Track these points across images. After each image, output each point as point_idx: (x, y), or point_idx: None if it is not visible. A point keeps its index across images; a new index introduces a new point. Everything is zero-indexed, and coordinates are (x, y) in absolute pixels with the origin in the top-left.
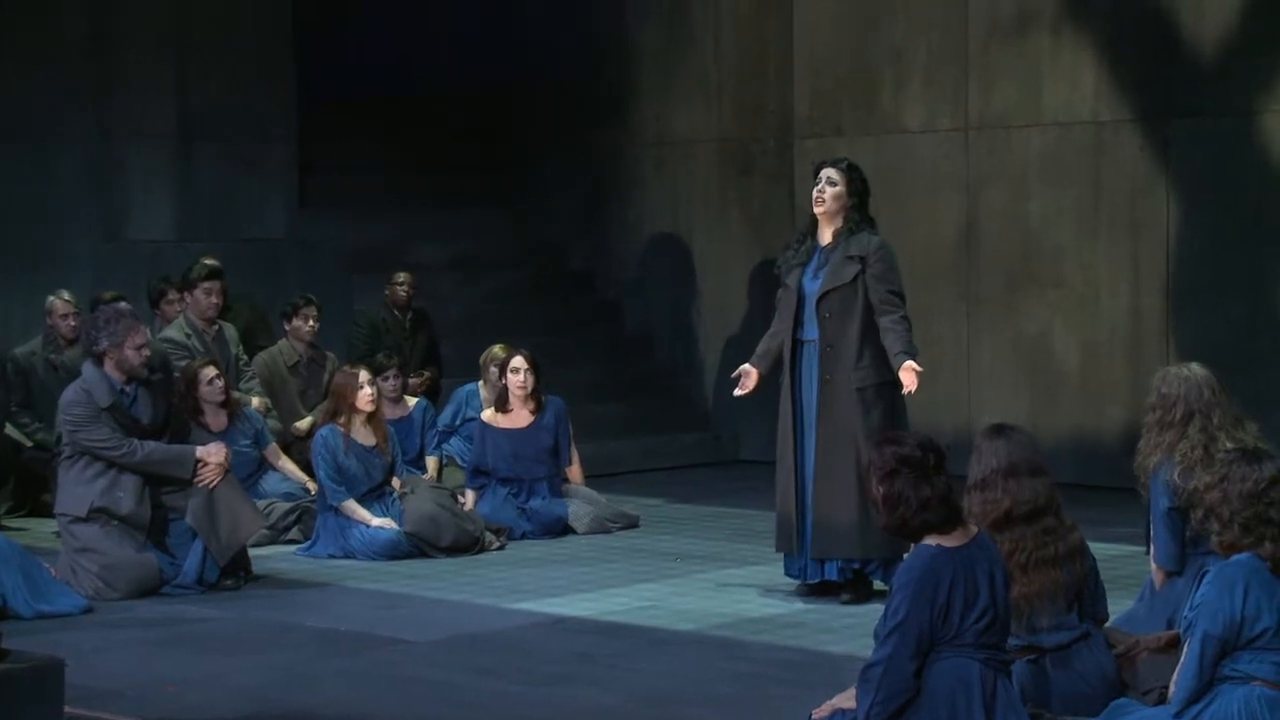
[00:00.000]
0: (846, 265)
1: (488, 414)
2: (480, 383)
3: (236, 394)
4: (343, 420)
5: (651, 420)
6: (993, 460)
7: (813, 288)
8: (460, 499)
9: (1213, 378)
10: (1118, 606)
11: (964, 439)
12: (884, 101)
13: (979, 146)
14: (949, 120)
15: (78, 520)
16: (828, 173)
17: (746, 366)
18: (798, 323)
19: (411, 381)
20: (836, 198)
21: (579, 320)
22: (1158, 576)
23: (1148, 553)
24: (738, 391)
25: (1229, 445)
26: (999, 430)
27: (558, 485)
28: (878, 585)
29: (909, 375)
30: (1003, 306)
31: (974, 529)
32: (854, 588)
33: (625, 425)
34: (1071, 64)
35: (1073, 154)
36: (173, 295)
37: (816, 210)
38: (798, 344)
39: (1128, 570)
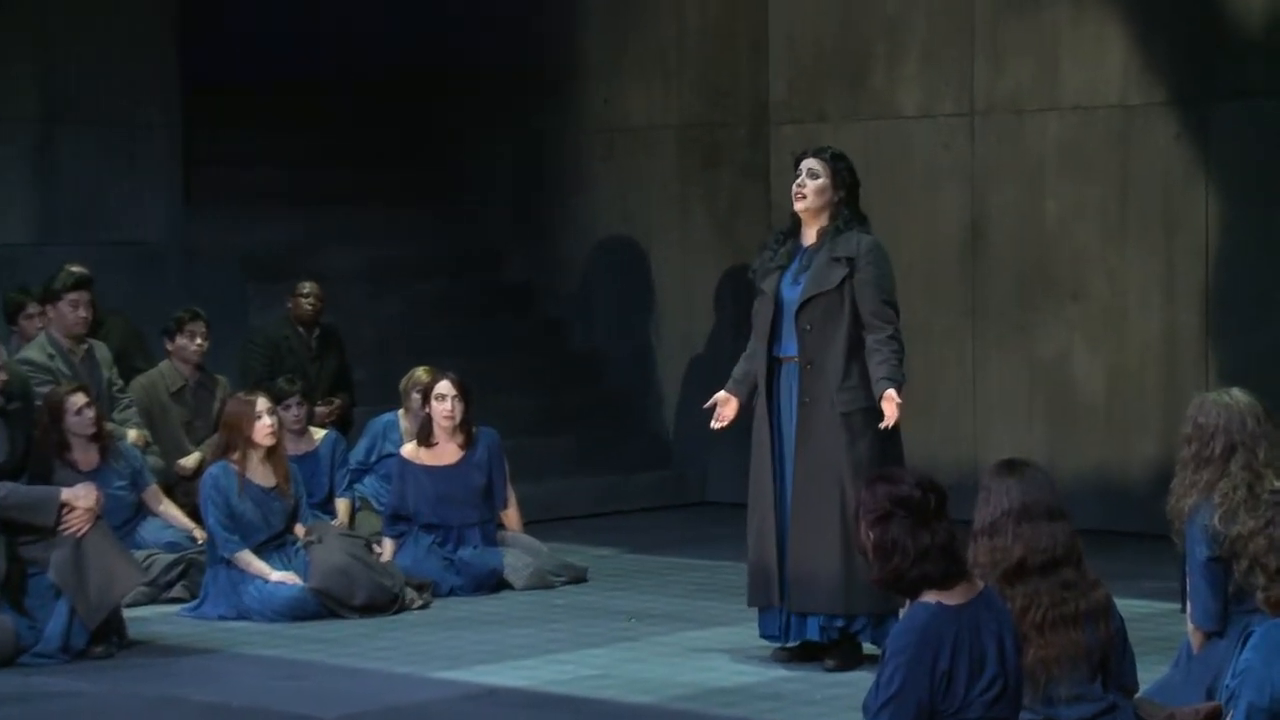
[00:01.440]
0: (831, 268)
1: (409, 449)
2: (400, 412)
3: (110, 425)
4: (236, 456)
5: (602, 456)
6: (1003, 502)
7: (792, 295)
8: (376, 549)
9: (1258, 405)
10: (1149, 674)
11: (969, 477)
12: (875, 81)
13: (986, 134)
14: (951, 104)
15: None
16: (809, 164)
17: (723, 394)
18: (775, 337)
19: (318, 410)
20: (819, 192)
21: (516, 339)
22: (1195, 638)
23: (1183, 611)
24: (715, 424)
25: (1277, 484)
26: (1010, 467)
27: (491, 532)
28: (867, 648)
29: (889, 406)
30: (1014, 323)
31: (980, 584)
32: (839, 652)
33: (571, 461)
34: (1095, 38)
35: (1096, 143)
36: (32, 309)
37: (797, 206)
38: (774, 362)
39: (1161, 631)
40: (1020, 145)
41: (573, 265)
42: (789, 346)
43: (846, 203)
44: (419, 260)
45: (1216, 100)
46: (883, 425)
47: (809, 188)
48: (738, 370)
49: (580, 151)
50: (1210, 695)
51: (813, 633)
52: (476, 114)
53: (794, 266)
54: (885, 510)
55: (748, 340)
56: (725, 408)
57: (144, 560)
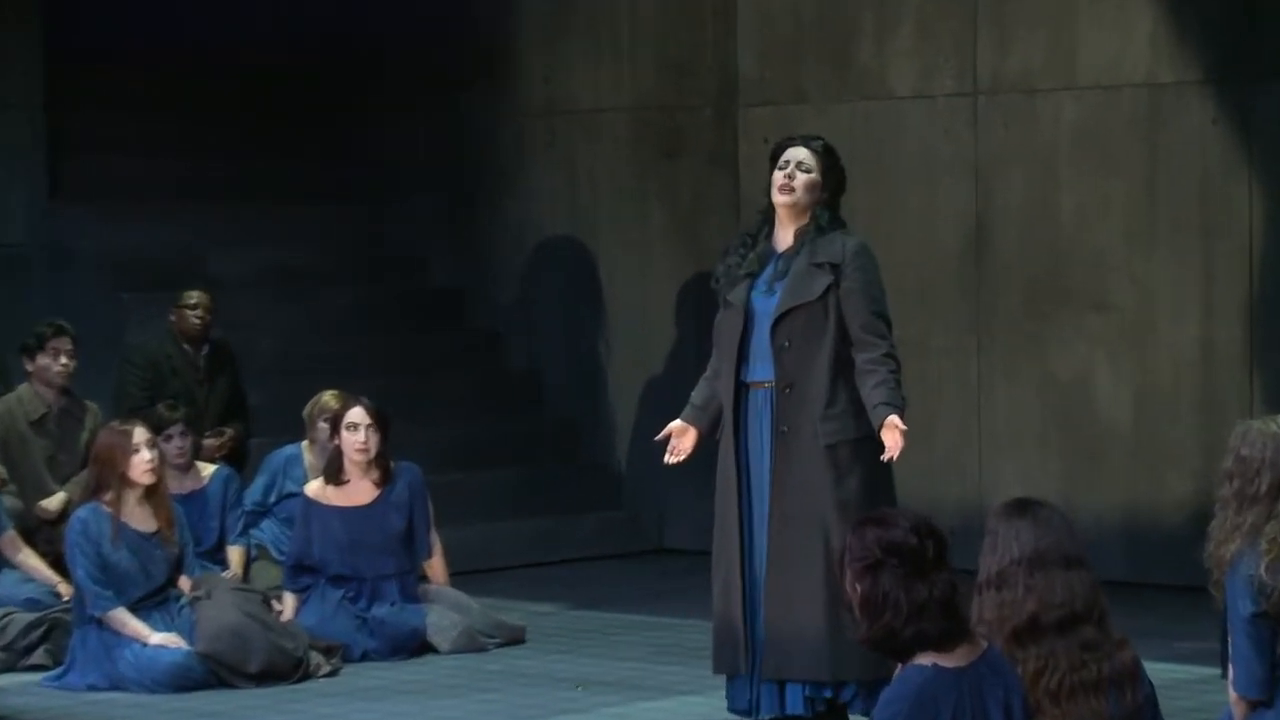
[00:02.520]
0: (813, 276)
1: (314, 487)
2: (304, 444)
3: None
4: (109, 497)
5: (544, 494)
6: (1012, 548)
7: (765, 307)
8: (275, 606)
9: None
10: None
11: (973, 519)
12: (861, 56)
13: (992, 118)
14: (951, 82)
15: None
16: (798, 154)
17: (679, 423)
18: (743, 357)
19: (207, 443)
20: (810, 188)
21: (442, 356)
22: (1238, 709)
23: (1224, 676)
24: (670, 458)
25: None
26: (1021, 507)
27: (412, 586)
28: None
29: (892, 435)
30: (1024, 338)
31: (984, 643)
32: None
33: (507, 501)
34: (1118, 5)
35: (1120, 128)
36: None
37: (780, 201)
38: (743, 387)
39: (1196, 700)
40: (1031, 131)
41: (509, 270)
42: (761, 368)
43: (828, 204)
44: (327, 265)
45: (1261, 78)
46: (885, 457)
47: (799, 181)
48: (697, 394)
49: (517, 138)
50: None
51: (795, 705)
52: (395, 94)
53: (767, 273)
54: (875, 558)
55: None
56: (681, 439)
57: None
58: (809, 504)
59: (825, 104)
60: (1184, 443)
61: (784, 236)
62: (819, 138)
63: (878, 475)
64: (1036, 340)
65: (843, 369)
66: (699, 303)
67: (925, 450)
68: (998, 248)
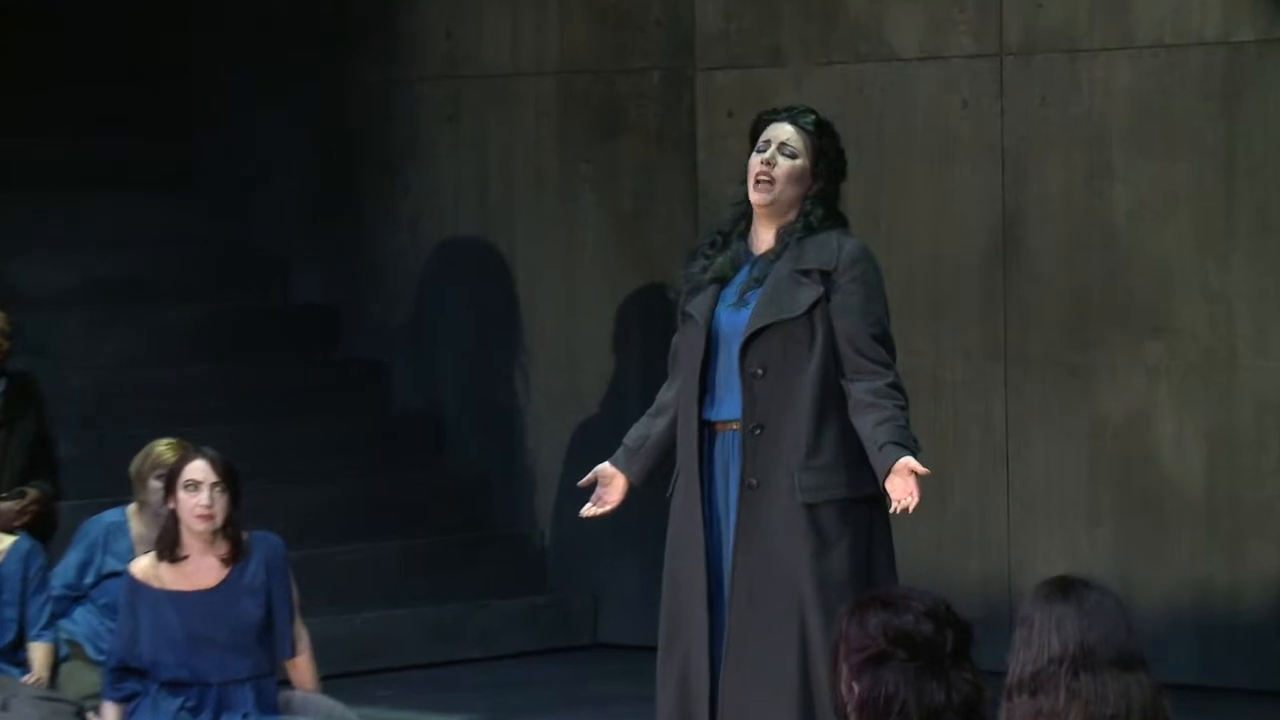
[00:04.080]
0: (797, 286)
1: (144, 565)
2: (130, 508)
3: None
4: None
5: (442, 573)
6: (1052, 642)
7: (734, 323)
8: (93, 718)
9: None
10: None
11: (1000, 604)
12: (853, 4)
13: (1023, 87)
14: (970, 41)
15: None
16: (783, 133)
17: (606, 467)
18: (705, 387)
19: (2, 507)
20: (794, 178)
21: (311, 394)
22: None
23: None
24: (589, 510)
25: None
26: (1063, 590)
27: (271, 693)
28: None
29: (904, 482)
30: (1066, 370)
31: None
32: None
33: (396, 582)
34: None
35: (1188, 99)
36: None
37: (756, 198)
38: (705, 426)
39: None
40: (1074, 103)
41: (397, 281)
42: (728, 403)
43: (823, 196)
44: (161, 274)
45: None
46: (895, 508)
47: (780, 170)
48: (635, 433)
49: (409, 111)
50: None
51: None
52: (248, 59)
53: (739, 280)
54: (879, 649)
55: (661, 389)
56: (608, 488)
57: None
58: (781, 580)
59: (807, 67)
60: (1271, 507)
61: (763, 235)
62: (810, 111)
63: (873, 546)
64: (1081, 373)
65: (830, 407)
66: (645, 324)
67: (937, 514)
68: (1031, 254)
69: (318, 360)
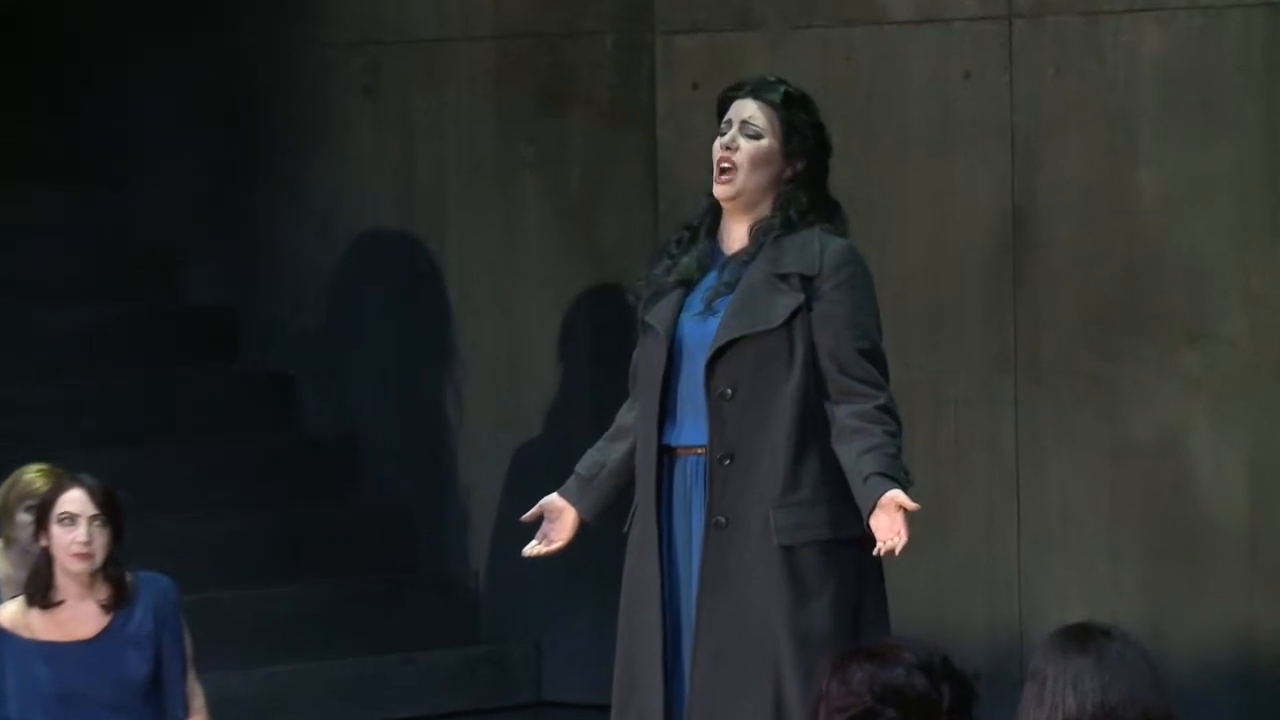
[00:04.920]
0: (772, 293)
1: (11, 611)
2: None
3: None
4: None
5: (363, 622)
6: (1068, 699)
7: (699, 334)
8: None
9: None
10: None
11: (1009, 655)
12: None
13: (1036, 55)
14: (973, 1)
15: None
16: (744, 109)
17: (555, 499)
18: (667, 408)
19: None
20: (760, 161)
21: (207, 412)
22: None
23: None
24: (534, 548)
25: None
26: (1081, 639)
27: None
28: None
29: (889, 522)
30: (1086, 383)
31: None
32: None
33: (308, 632)
34: None
35: (1227, 69)
36: None
37: (719, 189)
38: (665, 453)
39: None
40: (1096, 73)
41: (306, 281)
42: (691, 426)
43: (805, 182)
44: (29, 275)
45: None
46: (880, 550)
47: (742, 153)
48: (589, 460)
49: (321, 83)
50: None
51: None
52: (130, 25)
53: (706, 284)
54: (865, 707)
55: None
56: (556, 523)
57: None
58: (753, 635)
59: (784, 31)
60: None
61: (735, 231)
62: (779, 82)
63: (863, 596)
64: (1103, 387)
65: (811, 433)
66: (598, 332)
67: (936, 552)
68: (1045, 249)
69: (213, 372)
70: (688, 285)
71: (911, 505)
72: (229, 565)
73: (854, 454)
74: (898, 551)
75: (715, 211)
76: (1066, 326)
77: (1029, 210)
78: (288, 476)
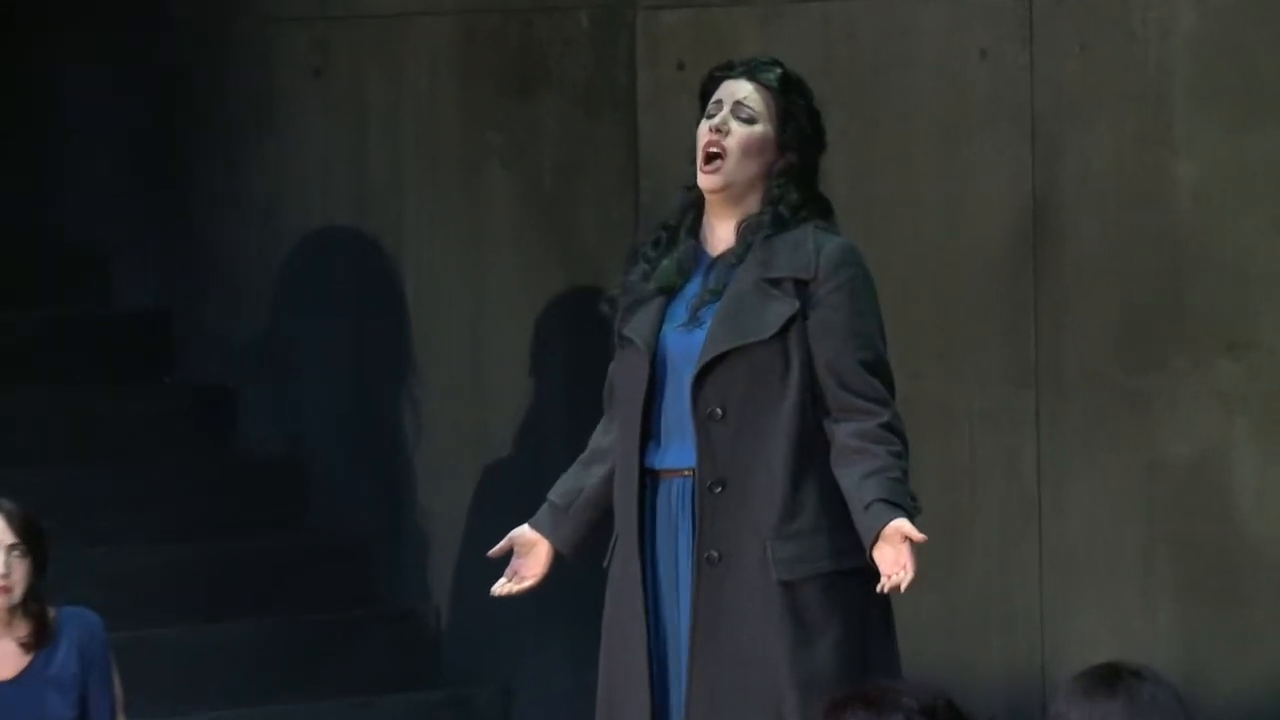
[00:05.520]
0: (763, 300)
1: None
2: None
3: None
4: None
5: (313, 663)
6: None
7: (685, 347)
8: None
9: None
10: None
11: (1029, 697)
12: None
13: (1058, 31)
14: None
15: None
16: (737, 91)
17: (524, 531)
18: (649, 429)
19: None
20: (753, 150)
21: (138, 429)
22: None
23: None
24: (503, 587)
25: None
26: (1109, 681)
27: None
28: None
29: (893, 555)
30: (1115, 397)
31: None
32: None
33: (250, 674)
34: None
35: (1272, 47)
36: None
37: (706, 180)
38: (648, 476)
39: None
40: (1125, 52)
41: (248, 285)
42: (677, 449)
43: (798, 175)
44: None
45: None
46: (884, 587)
47: (734, 139)
48: (563, 486)
49: (263, 64)
50: None
51: None
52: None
53: (690, 292)
54: None
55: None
56: (527, 558)
57: None
58: (752, 677)
59: (778, 5)
60: None
61: (720, 230)
62: (774, 63)
63: (870, 633)
64: (1135, 401)
65: (811, 455)
66: (573, 341)
67: (949, 584)
68: (1070, 247)
69: (144, 385)
70: (669, 293)
71: (918, 536)
72: (163, 600)
73: (855, 478)
74: (903, 588)
75: (697, 208)
76: (1093, 333)
77: (1051, 204)
78: (228, 501)
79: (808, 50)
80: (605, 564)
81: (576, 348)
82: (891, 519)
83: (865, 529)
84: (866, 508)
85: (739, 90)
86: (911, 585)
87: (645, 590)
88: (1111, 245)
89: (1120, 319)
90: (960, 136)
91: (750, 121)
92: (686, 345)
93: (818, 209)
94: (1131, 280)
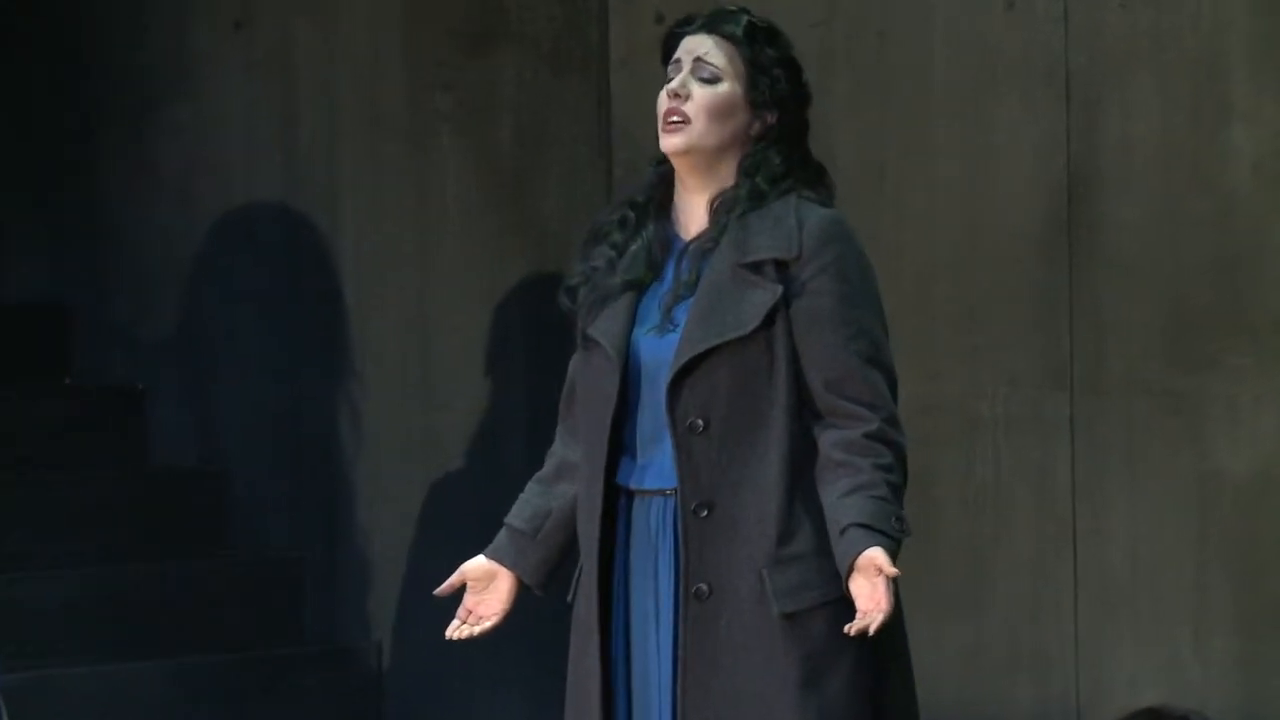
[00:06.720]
0: (741, 288)
1: None
2: None
3: None
4: None
5: (237, 704)
6: None
7: (658, 351)
8: None
9: None
10: None
11: None
12: None
13: None
14: None
15: None
16: (696, 46)
17: (479, 563)
18: (619, 442)
19: None
20: (719, 111)
21: (35, 438)
22: None
23: None
24: (458, 630)
25: None
26: None
27: None
28: None
29: (869, 590)
30: (1161, 401)
31: None
32: None
33: (165, 718)
34: None
35: None
36: None
37: (666, 143)
38: (622, 496)
39: None
40: (1173, 4)
41: (159, 273)
42: (656, 467)
43: (779, 138)
44: None
45: None
46: (853, 629)
47: (695, 103)
48: (525, 507)
49: (178, 19)
50: None
51: None
52: None
53: (661, 286)
54: None
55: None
56: (485, 595)
57: None
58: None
59: None
60: None
61: (692, 207)
62: (740, 11)
63: (882, 669)
64: (1184, 407)
65: (808, 466)
66: (535, 333)
67: (973, 614)
68: (1109, 230)
69: (40, 388)
70: (636, 286)
71: (890, 570)
72: (66, 635)
73: (834, 497)
74: (872, 629)
75: (666, 183)
76: (1137, 329)
77: (1089, 179)
78: (136, 520)
79: (806, 4)
80: (569, 599)
81: (538, 344)
82: (865, 548)
83: (840, 558)
84: (842, 533)
85: (699, 46)
86: (932, 619)
87: (610, 633)
88: (1158, 227)
89: (1168, 312)
90: (983, 102)
91: (713, 81)
92: (661, 349)
93: (804, 177)
94: (1181, 267)
